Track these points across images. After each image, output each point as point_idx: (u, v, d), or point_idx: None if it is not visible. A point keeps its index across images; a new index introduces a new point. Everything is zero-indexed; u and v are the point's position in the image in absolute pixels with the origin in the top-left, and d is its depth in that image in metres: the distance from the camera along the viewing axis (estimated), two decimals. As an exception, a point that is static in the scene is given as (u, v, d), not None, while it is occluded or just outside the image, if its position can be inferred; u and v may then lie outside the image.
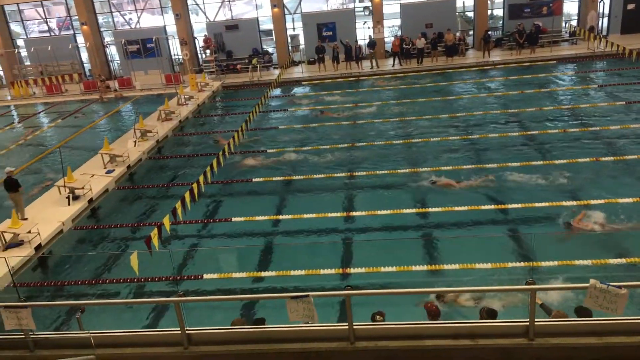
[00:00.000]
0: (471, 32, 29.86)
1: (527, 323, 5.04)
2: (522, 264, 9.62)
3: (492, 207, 12.00)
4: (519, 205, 11.76)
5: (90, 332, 5.36)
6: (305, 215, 12.24)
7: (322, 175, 14.51)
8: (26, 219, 12.36)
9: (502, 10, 29.34)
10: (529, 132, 16.34)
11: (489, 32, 27.09)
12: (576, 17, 29.42)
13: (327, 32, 29.12)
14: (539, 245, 9.98)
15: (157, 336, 5.56)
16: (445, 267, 9.76)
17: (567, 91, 20.90)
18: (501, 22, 29.77)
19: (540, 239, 10.05)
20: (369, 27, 29.03)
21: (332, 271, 9.96)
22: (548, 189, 12.45)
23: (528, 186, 12.69)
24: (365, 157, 15.68)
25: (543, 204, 11.58)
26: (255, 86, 26.51)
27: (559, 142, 15.32)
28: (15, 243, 11.36)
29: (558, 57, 25.66)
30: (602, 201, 11.49)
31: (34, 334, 5.55)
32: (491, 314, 6.43)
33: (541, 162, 13.95)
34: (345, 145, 16.75)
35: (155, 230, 9.60)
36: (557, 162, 13.81)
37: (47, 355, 5.45)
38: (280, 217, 12.51)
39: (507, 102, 19.99)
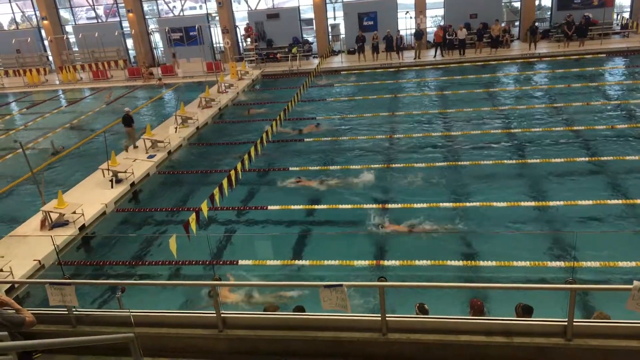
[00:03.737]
0: (517, 23, 29.03)
1: (565, 323, 4.91)
2: (562, 263, 9.39)
3: (533, 204, 11.70)
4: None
5: (131, 310, 5.51)
6: (340, 206, 12.24)
7: (358, 166, 14.47)
8: (137, 146, 16.10)
9: (550, 0, 28.37)
10: (574, 128, 15.83)
11: (536, 24, 26.24)
12: (629, 9, 28.18)
13: (368, 21, 28.86)
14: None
15: (193, 318, 5.67)
16: (481, 263, 9.61)
17: (617, 86, 20.11)
18: (549, 13, 28.81)
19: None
20: (411, 17, 28.59)
21: (366, 262, 9.97)
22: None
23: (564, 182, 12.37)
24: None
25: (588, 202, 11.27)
26: (294, 75, 26.56)
27: (606, 138, 14.83)
28: (61, 223, 11.80)
29: (608, 50, 24.66)
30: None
31: (76, 311, 5.76)
32: (527, 310, 6.30)
33: (586, 159, 13.57)
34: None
35: (194, 215, 9.77)
36: (602, 158, 13.47)
37: (88, 331, 5.63)
38: (316, 206, 12.54)
39: (552, 96, 19.42)
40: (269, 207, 12.55)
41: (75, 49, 33.29)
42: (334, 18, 30.73)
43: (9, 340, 4.47)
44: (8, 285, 9.47)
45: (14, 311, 5.24)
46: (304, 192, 13.24)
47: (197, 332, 5.50)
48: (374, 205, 12.14)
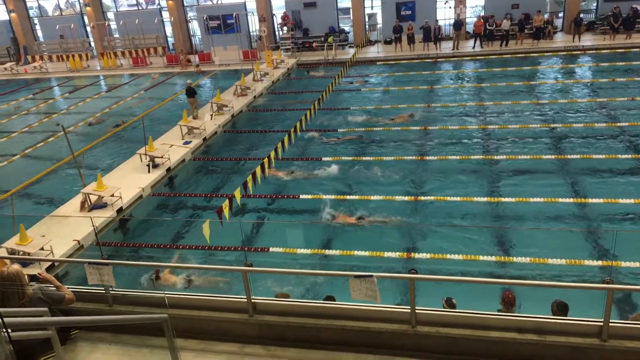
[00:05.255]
0: (561, 14, 28.12)
1: (601, 323, 4.79)
2: (599, 262, 9.14)
3: (572, 200, 11.40)
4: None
5: (165, 292, 5.64)
6: (372, 197, 12.20)
7: (392, 158, 14.37)
8: (197, 117, 17.63)
9: (596, -9, 27.40)
10: (618, 124, 15.31)
11: (581, 15, 25.36)
12: (682, 0, 26.92)
13: (406, 11, 28.45)
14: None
15: (225, 302, 5.76)
16: (515, 259, 9.44)
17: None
18: (595, 4, 27.80)
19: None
20: (450, 7, 28.05)
21: (397, 254, 9.92)
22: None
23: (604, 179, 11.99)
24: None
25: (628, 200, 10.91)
26: (329, 64, 26.47)
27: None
28: (100, 205, 12.15)
29: (657, 43, 23.67)
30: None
31: (113, 290, 5.93)
32: (562, 307, 6.17)
33: (629, 156, 13.12)
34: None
35: (227, 202, 9.91)
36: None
37: (123, 310, 5.79)
38: (347, 197, 12.53)
39: (595, 90, 18.81)
40: (301, 196, 12.61)
41: (116, 35, 33.98)
42: (372, 7, 30.42)
43: (49, 315, 4.65)
44: (49, 264, 9.83)
45: (54, 288, 5.44)
46: (337, 182, 13.24)
47: (227, 316, 5.59)
48: (406, 198, 12.05)
